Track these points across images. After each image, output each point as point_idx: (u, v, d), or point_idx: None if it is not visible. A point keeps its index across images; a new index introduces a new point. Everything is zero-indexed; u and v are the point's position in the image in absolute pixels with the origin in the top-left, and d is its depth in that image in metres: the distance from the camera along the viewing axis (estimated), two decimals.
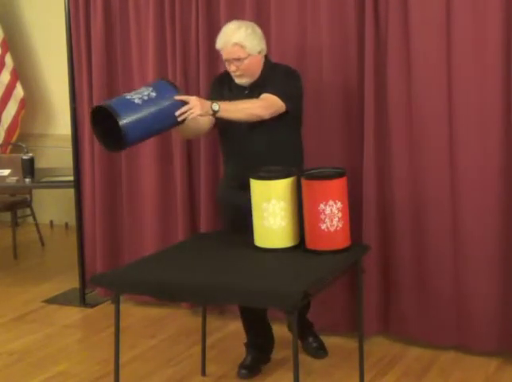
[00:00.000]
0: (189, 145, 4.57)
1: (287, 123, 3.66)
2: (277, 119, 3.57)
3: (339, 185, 3.35)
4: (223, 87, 3.74)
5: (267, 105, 3.53)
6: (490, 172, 3.81)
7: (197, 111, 3.33)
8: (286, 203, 3.37)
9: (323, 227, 3.32)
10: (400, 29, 3.91)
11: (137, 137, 3.30)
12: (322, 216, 3.31)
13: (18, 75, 6.89)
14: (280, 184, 3.37)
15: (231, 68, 3.61)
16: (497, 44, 3.72)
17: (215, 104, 3.39)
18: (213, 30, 4.40)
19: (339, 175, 3.37)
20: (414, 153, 3.97)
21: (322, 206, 3.30)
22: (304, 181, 3.36)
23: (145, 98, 3.28)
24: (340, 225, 3.34)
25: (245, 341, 3.95)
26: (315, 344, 4.05)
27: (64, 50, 4.85)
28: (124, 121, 3.20)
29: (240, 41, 3.55)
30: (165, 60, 4.57)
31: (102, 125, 3.32)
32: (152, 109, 3.28)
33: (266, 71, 3.66)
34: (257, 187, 3.40)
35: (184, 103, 3.34)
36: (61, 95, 5.84)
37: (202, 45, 4.41)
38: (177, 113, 3.31)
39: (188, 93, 4.50)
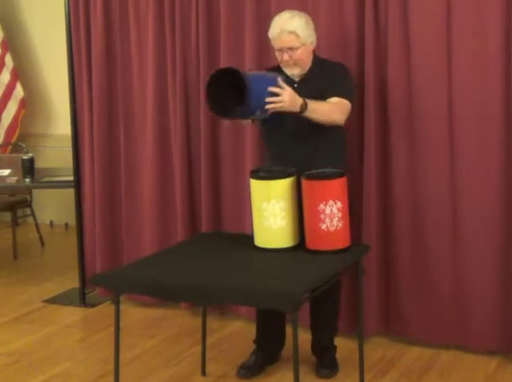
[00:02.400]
0: (189, 145, 4.57)
1: None
2: None
3: (339, 185, 3.35)
4: None
5: (344, 111, 3.60)
6: (490, 172, 3.81)
7: (285, 105, 3.37)
8: (286, 203, 3.37)
9: (323, 227, 3.32)
10: (400, 27, 3.91)
11: (254, 101, 3.33)
12: (322, 216, 3.31)
13: (18, 75, 6.89)
14: (280, 184, 3.37)
15: (284, 57, 3.59)
16: (497, 44, 3.72)
17: (304, 103, 3.42)
18: (213, 30, 4.41)
19: (339, 175, 3.37)
20: (414, 152, 3.97)
21: (322, 206, 3.30)
22: (304, 181, 3.37)
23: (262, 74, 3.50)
24: (340, 225, 3.34)
25: (253, 338, 3.95)
26: (327, 370, 3.82)
27: (64, 50, 4.86)
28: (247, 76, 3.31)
29: (295, 30, 3.55)
30: (165, 59, 4.57)
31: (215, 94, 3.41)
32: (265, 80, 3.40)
33: (315, 65, 3.67)
34: (257, 187, 3.41)
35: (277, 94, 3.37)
36: (61, 95, 5.85)
37: (202, 45, 4.41)
38: (268, 101, 3.33)
39: (187, 94, 4.53)
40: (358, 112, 4.07)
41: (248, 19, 4.24)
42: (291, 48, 3.57)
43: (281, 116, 3.49)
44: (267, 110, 3.39)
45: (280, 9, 4.17)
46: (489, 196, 3.83)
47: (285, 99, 3.36)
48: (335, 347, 3.91)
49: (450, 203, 3.92)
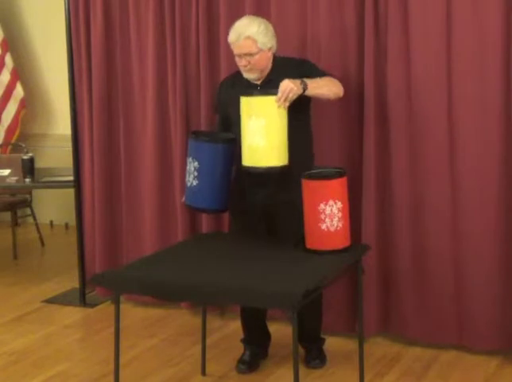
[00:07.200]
0: None
1: (306, 114, 3.73)
2: (298, 111, 3.59)
3: (339, 185, 3.35)
4: (235, 84, 3.76)
5: (336, 83, 3.64)
6: (490, 172, 3.81)
7: (295, 89, 3.39)
8: (267, 121, 3.36)
9: (324, 227, 3.32)
10: (400, 27, 3.91)
11: (222, 197, 3.68)
12: (322, 216, 3.31)
13: (18, 75, 6.89)
14: (259, 101, 3.39)
15: (242, 63, 3.62)
16: (497, 43, 3.72)
17: (303, 83, 3.45)
18: (213, 30, 4.41)
19: (339, 175, 3.37)
20: (414, 152, 3.97)
21: (322, 206, 3.30)
22: (304, 181, 3.37)
23: (196, 174, 3.64)
24: (340, 225, 3.34)
25: (242, 337, 3.98)
26: (317, 361, 3.91)
27: (64, 50, 4.86)
28: (205, 204, 3.70)
29: (252, 35, 3.57)
30: (165, 59, 4.56)
31: None
32: (207, 176, 3.62)
33: (276, 66, 3.68)
34: (242, 105, 3.43)
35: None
36: (61, 95, 5.85)
37: (202, 45, 4.41)
38: (279, 99, 3.36)
39: (188, 94, 4.53)
40: (358, 112, 4.08)
41: (247, 12, 4.22)
42: (249, 54, 3.58)
43: None
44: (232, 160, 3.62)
45: (280, 10, 4.20)
46: (489, 197, 3.82)
47: (288, 84, 3.38)
48: (322, 339, 3.97)
49: (450, 203, 3.92)
